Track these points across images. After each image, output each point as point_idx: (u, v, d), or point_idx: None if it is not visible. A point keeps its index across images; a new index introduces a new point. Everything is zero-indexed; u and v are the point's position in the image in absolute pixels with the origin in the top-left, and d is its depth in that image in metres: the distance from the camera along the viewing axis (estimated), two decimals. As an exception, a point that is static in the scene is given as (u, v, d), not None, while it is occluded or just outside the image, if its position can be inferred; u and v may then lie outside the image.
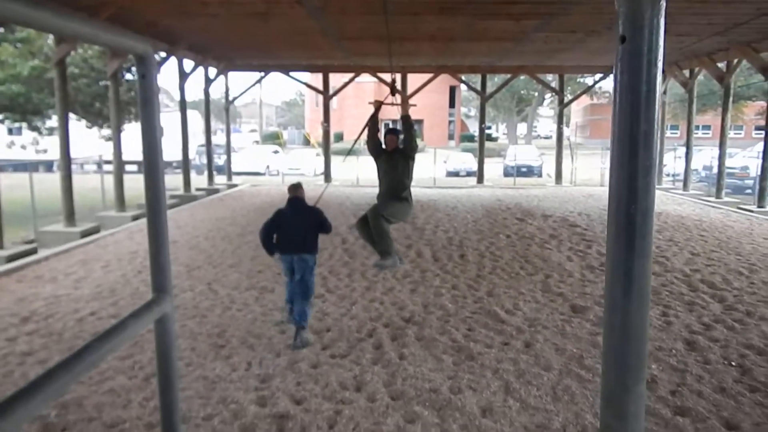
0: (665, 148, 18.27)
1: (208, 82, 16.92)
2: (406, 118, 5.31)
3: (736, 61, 14.17)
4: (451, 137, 45.79)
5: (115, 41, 1.03)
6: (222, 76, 17.67)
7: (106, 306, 5.89)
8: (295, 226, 4.84)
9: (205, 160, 18.87)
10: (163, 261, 1.22)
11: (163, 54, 12.97)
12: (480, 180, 18.71)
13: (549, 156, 23.04)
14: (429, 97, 30.34)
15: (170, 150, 17.00)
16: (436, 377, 4.20)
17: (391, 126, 8.70)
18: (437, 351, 4.68)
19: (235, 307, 5.82)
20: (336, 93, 18.80)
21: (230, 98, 19.09)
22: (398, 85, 7.20)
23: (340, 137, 37.31)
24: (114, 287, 6.58)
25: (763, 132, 12.69)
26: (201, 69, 16.05)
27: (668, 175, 19.73)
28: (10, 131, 23.37)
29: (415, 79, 18.03)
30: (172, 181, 16.47)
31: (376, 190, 5.62)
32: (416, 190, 7.44)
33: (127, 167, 13.06)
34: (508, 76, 19.70)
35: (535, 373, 4.27)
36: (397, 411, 3.72)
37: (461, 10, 9.36)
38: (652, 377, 4.17)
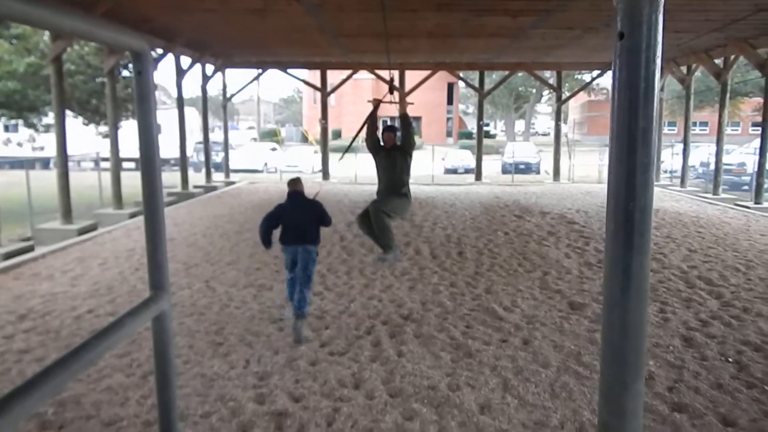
0: (663, 144, 18.29)
1: (206, 78, 16.89)
2: (404, 116, 5.36)
3: (733, 57, 14.21)
4: (449, 134, 45.82)
5: (112, 38, 1.03)
6: (219, 73, 17.64)
7: (104, 303, 5.88)
8: (296, 219, 4.90)
9: (202, 158, 18.83)
10: (161, 258, 1.22)
11: (160, 50, 12.92)
12: (478, 177, 18.71)
13: (547, 153, 23.07)
14: (427, 94, 30.35)
15: (168, 147, 16.98)
16: (434, 374, 4.20)
17: (389, 123, 8.72)
18: (435, 348, 4.69)
19: (233, 305, 5.81)
20: (334, 90, 18.78)
21: (228, 95, 19.08)
22: (396, 84, 7.21)
23: (338, 134, 37.28)
24: (111, 285, 6.56)
25: (760, 128, 12.72)
26: (198, 66, 15.99)
27: (665, 171, 19.76)
28: (7, 128, 23.33)
29: (413, 76, 18.03)
30: (170, 178, 16.47)
31: (375, 188, 5.65)
32: (414, 188, 7.44)
33: (125, 164, 13.02)
34: (506, 72, 19.68)
35: (533, 370, 4.28)
36: (396, 408, 3.72)
37: (458, 7, 9.35)
38: (650, 374, 4.18)
